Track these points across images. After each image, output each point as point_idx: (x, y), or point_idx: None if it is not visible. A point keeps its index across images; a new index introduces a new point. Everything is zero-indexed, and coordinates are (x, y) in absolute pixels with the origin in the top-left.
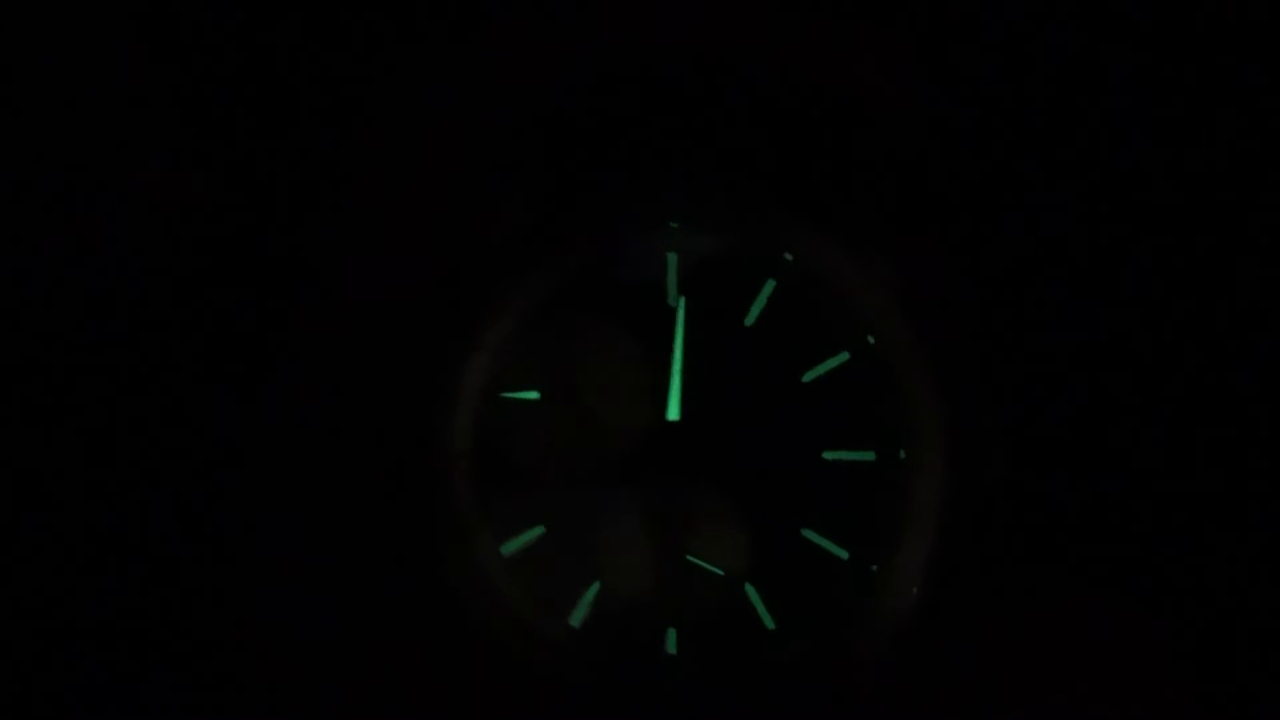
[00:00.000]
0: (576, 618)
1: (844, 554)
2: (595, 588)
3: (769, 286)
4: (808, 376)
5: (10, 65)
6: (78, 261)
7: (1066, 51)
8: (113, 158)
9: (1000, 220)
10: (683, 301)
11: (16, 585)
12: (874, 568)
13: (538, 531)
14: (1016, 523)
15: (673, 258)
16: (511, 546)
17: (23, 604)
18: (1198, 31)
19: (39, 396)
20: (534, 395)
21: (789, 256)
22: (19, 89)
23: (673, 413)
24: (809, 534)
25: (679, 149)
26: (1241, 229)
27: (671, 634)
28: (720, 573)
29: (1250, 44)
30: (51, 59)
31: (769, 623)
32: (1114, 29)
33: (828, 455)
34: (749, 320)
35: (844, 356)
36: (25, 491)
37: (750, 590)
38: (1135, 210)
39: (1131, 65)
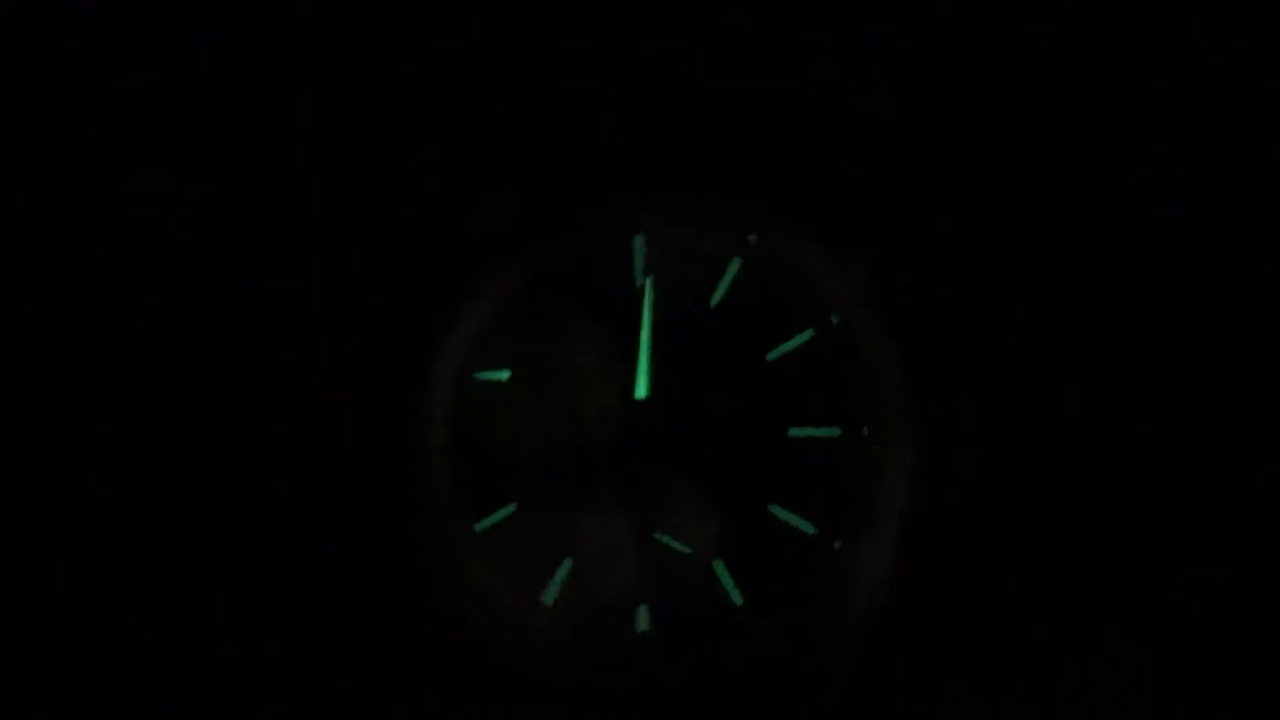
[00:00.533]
0: (549, 595)
1: (810, 529)
2: (566, 565)
3: (734, 266)
4: (773, 355)
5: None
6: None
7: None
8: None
9: (969, 199)
10: (649, 282)
11: (7, 589)
12: (838, 543)
13: (509, 509)
14: (983, 500)
15: (639, 240)
16: (485, 524)
17: (14, 608)
18: (1182, 30)
19: (24, 397)
20: (505, 375)
21: (753, 238)
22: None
23: (641, 391)
24: (776, 510)
25: (645, 132)
26: (1218, 215)
27: (643, 611)
28: (688, 551)
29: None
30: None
31: (737, 599)
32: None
33: (793, 432)
34: (715, 300)
35: (808, 334)
36: (18, 495)
37: (719, 566)
38: (1106, 190)
39: (1103, 56)
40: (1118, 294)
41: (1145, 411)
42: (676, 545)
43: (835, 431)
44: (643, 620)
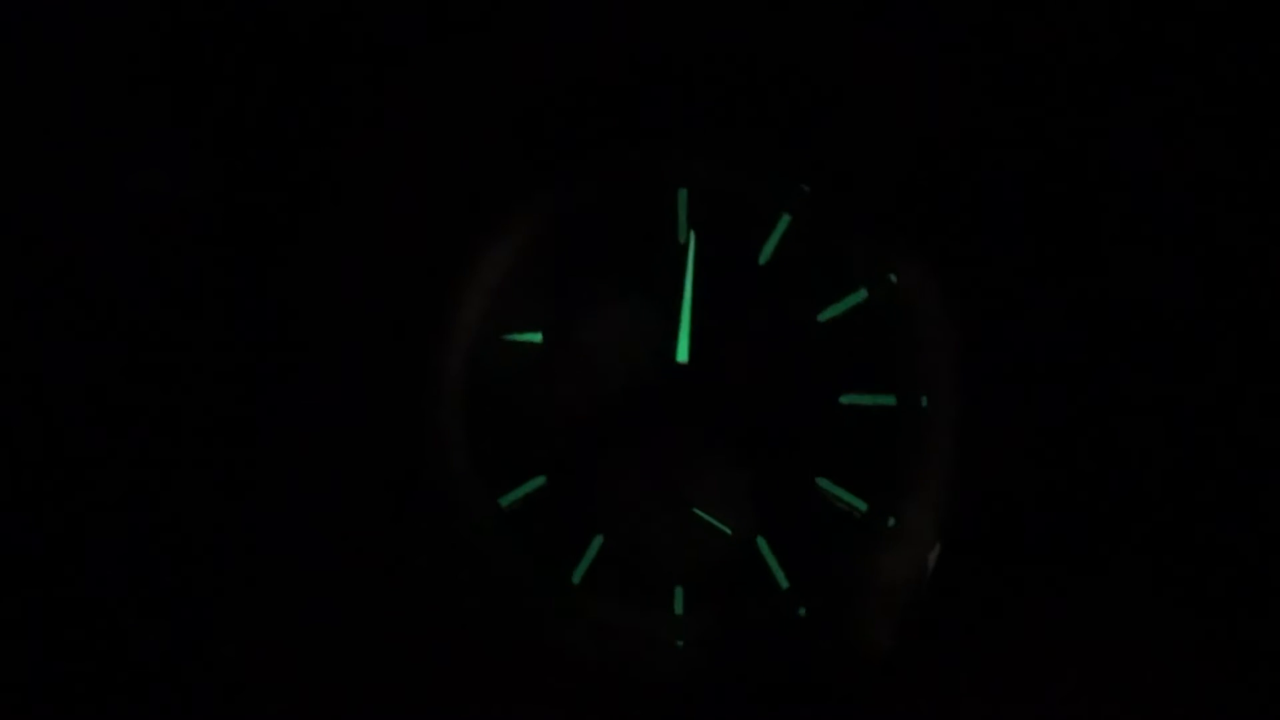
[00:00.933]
0: (578, 574)
1: (862, 505)
2: (598, 542)
3: (784, 222)
4: (824, 316)
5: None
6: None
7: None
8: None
9: (1036, 157)
10: (693, 238)
11: (11, 589)
12: (891, 521)
13: (539, 482)
14: (1041, 477)
15: (683, 193)
16: (510, 498)
17: (18, 607)
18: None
19: (32, 399)
20: (536, 338)
21: (805, 188)
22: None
23: (682, 355)
24: (824, 484)
25: (692, 79)
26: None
27: (679, 593)
28: (728, 531)
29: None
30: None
31: (783, 581)
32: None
33: (845, 400)
34: (763, 258)
35: (862, 294)
36: (21, 495)
37: (762, 545)
38: (1172, 158)
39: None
40: (1188, 267)
41: (1211, 394)
42: (715, 524)
43: (890, 400)
44: (679, 603)
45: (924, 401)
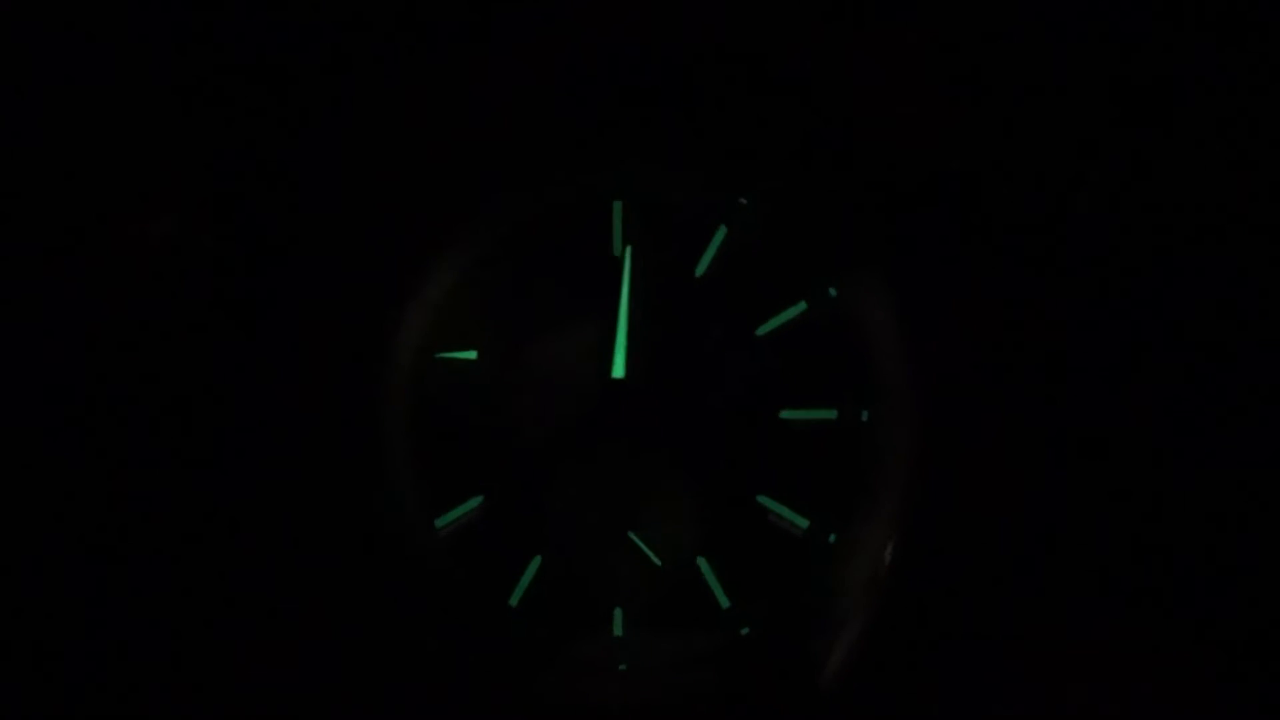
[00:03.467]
0: (515, 596)
1: (803, 522)
2: (536, 563)
3: (721, 233)
4: (763, 330)
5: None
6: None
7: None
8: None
9: (982, 163)
10: (629, 251)
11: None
12: (833, 538)
13: (476, 502)
14: (989, 491)
15: (618, 205)
16: (446, 519)
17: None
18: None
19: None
20: (471, 355)
21: (743, 200)
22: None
23: (618, 370)
24: (765, 501)
25: (627, 82)
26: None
27: (619, 613)
28: (659, 563)
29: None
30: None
31: (723, 600)
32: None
33: (785, 414)
34: (700, 270)
35: (801, 307)
36: (18, 501)
37: (703, 564)
38: (1116, 166)
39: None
40: (1132, 278)
41: (1157, 401)
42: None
43: (831, 414)
44: (619, 624)
45: (864, 416)
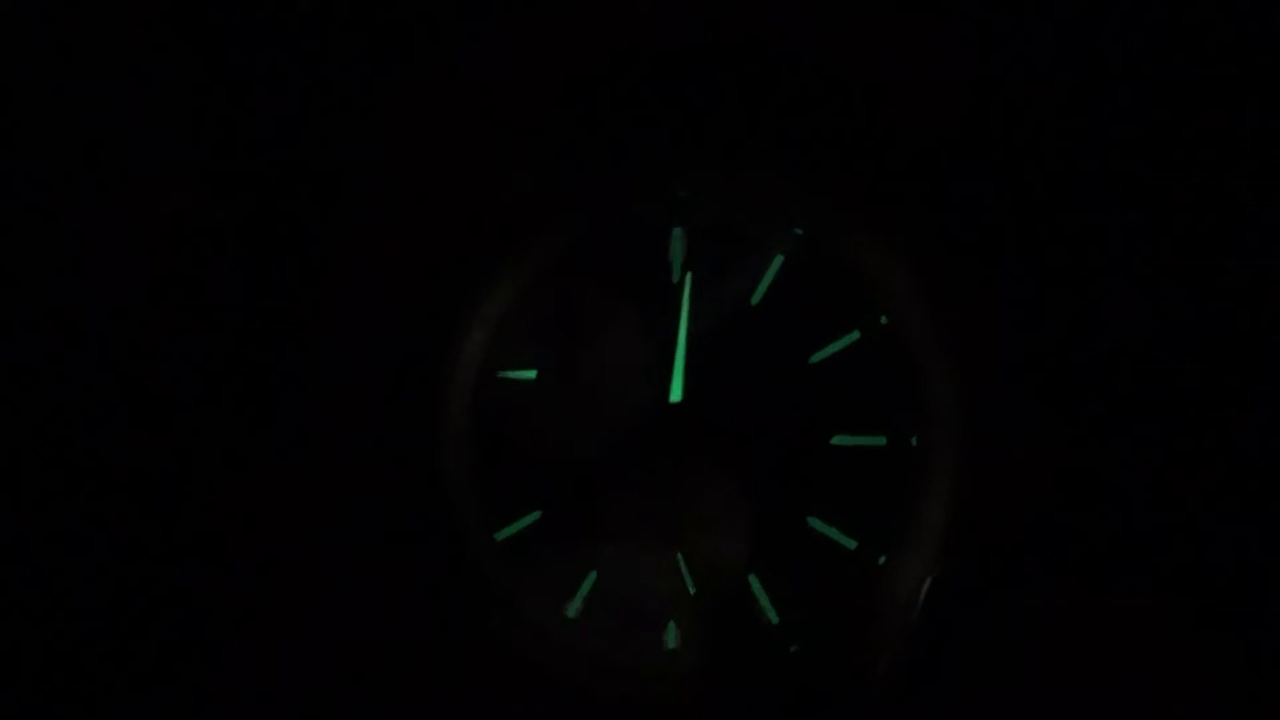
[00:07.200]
0: (572, 608)
1: (851, 544)
2: (592, 577)
3: (777, 262)
4: (816, 357)
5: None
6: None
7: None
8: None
9: (1029, 195)
10: (688, 278)
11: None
12: (882, 559)
13: (533, 517)
14: (1035, 517)
15: (678, 232)
16: (506, 532)
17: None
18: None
19: (35, 400)
20: (531, 375)
21: (798, 230)
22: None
23: (675, 394)
24: (815, 523)
25: (686, 117)
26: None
27: (671, 627)
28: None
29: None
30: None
31: (773, 616)
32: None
33: (836, 440)
34: (756, 298)
35: (854, 336)
36: (23, 501)
37: (754, 581)
38: (1163, 192)
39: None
40: (1179, 303)
41: (1204, 425)
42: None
43: (881, 440)
44: (671, 637)
45: (914, 441)
